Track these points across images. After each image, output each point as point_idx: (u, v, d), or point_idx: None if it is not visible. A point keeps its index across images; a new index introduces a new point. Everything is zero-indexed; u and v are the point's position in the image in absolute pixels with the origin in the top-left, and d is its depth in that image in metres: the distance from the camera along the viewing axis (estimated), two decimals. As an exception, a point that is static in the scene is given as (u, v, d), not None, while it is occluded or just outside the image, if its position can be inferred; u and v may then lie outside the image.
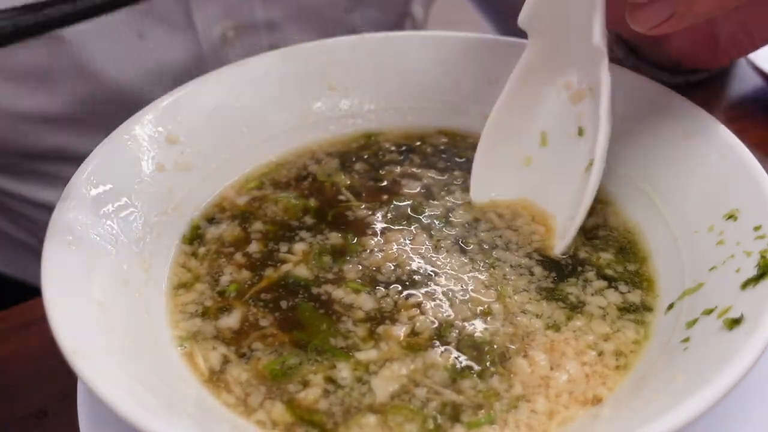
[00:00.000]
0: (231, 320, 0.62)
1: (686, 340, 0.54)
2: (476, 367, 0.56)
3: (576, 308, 0.61)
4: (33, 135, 1.00)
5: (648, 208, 0.68)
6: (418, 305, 0.61)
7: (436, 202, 0.73)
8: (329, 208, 0.73)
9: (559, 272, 0.65)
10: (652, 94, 0.71)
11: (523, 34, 0.70)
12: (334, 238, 0.69)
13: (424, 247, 0.67)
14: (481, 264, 0.65)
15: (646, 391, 0.51)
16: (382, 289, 0.63)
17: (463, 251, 0.67)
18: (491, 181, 0.73)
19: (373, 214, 0.72)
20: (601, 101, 0.64)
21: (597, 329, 0.60)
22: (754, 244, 0.56)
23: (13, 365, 0.72)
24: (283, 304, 0.63)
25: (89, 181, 0.63)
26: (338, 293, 0.63)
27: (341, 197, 0.75)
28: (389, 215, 0.72)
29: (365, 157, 0.80)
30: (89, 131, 0.94)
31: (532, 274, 0.65)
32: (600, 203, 0.72)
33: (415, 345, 0.58)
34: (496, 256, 0.66)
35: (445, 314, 0.60)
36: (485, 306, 0.61)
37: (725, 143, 0.63)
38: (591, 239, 0.68)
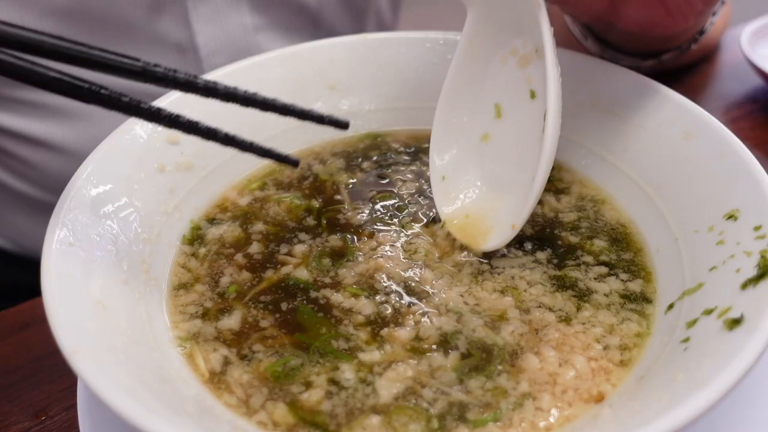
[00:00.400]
0: (231, 321, 0.62)
1: (686, 340, 0.54)
2: (484, 366, 0.56)
3: (584, 296, 0.62)
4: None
5: (648, 208, 0.68)
6: (423, 313, 0.61)
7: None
8: (332, 209, 0.73)
9: (559, 257, 0.66)
10: (653, 93, 0.71)
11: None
12: (334, 240, 0.69)
13: (425, 247, 0.67)
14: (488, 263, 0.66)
15: (646, 391, 0.51)
16: (382, 294, 0.63)
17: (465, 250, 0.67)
18: (450, 169, 0.72)
19: (376, 214, 0.72)
20: (545, 52, 0.61)
21: (604, 320, 0.60)
22: (754, 244, 0.56)
23: (13, 365, 0.72)
24: (284, 306, 0.63)
25: (89, 181, 0.63)
26: (337, 297, 0.63)
27: (342, 198, 0.75)
28: (391, 216, 0.72)
29: (374, 158, 0.80)
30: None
31: (539, 262, 0.66)
32: (599, 201, 0.72)
33: (419, 348, 0.58)
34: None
35: (451, 318, 0.60)
36: (497, 306, 0.61)
37: (725, 143, 0.63)
38: (577, 228, 0.69)
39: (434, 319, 0.60)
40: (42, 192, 1.10)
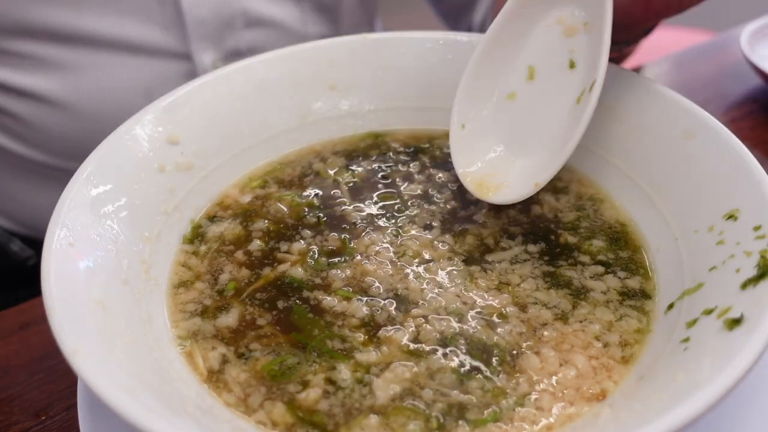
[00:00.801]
0: (230, 319, 0.62)
1: (686, 340, 0.54)
2: (484, 367, 0.56)
3: (580, 294, 0.62)
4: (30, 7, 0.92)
5: (648, 208, 0.69)
6: (422, 316, 0.61)
7: (438, 203, 0.73)
8: (332, 208, 0.73)
9: (553, 256, 0.66)
10: (653, 94, 0.71)
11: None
12: (332, 239, 0.69)
13: (426, 248, 0.67)
14: (485, 259, 0.66)
15: (646, 391, 0.51)
16: (378, 296, 0.63)
17: (465, 250, 0.67)
18: (471, 120, 0.74)
19: (376, 214, 0.72)
20: (604, 26, 0.64)
21: (602, 316, 0.60)
22: (754, 244, 0.56)
23: (13, 365, 0.72)
24: (280, 304, 0.63)
25: (89, 181, 0.63)
26: (333, 299, 0.63)
27: (342, 196, 0.75)
28: (391, 216, 0.72)
29: (374, 157, 0.80)
30: (88, 5, 0.90)
31: (530, 255, 0.66)
32: (598, 201, 0.72)
33: (416, 351, 0.58)
34: (503, 244, 0.66)
35: (451, 320, 0.60)
36: (496, 305, 0.61)
37: (725, 143, 0.63)
38: (576, 228, 0.69)
39: (431, 319, 0.60)
40: (35, 152, 1.07)
